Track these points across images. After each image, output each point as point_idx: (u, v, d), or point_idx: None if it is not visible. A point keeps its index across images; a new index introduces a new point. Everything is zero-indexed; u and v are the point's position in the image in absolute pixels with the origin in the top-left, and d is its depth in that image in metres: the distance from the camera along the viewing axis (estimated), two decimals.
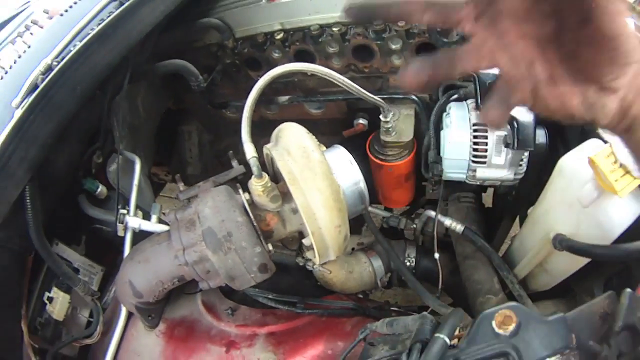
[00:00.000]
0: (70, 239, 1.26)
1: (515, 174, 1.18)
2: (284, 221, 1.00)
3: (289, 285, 1.35)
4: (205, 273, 0.99)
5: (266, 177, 0.93)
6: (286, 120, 1.45)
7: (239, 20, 1.38)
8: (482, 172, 1.18)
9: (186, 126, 1.66)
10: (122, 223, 1.16)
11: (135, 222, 1.17)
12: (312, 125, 1.51)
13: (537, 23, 0.43)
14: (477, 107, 1.14)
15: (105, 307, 1.24)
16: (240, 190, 0.99)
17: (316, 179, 0.90)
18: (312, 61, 1.37)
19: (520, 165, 1.16)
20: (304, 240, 0.98)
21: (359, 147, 1.38)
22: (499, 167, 1.16)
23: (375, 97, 1.10)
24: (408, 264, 1.34)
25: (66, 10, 1.23)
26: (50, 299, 1.14)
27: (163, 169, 1.84)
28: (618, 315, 0.60)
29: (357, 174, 1.01)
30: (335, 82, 0.99)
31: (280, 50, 1.37)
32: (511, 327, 0.60)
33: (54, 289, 1.16)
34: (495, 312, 0.62)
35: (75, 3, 1.23)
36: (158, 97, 1.56)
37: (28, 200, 1.02)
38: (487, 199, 1.55)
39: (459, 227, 1.24)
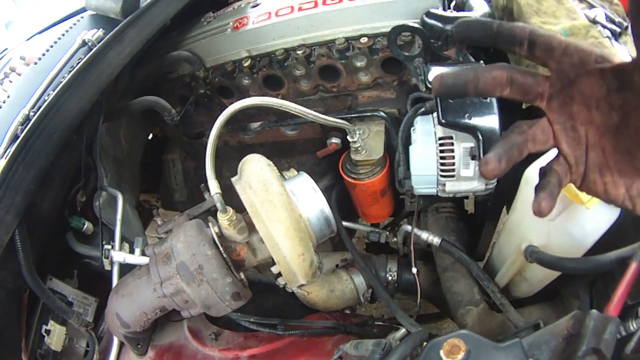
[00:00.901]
0: (63, 273, 1.37)
1: (486, 185, 1.18)
2: (254, 250, 1.09)
3: (274, 305, 1.44)
4: (184, 303, 1.09)
5: (231, 211, 1.02)
6: (264, 144, 1.55)
7: (207, 50, 1.47)
8: (452, 186, 1.19)
9: (170, 154, 1.76)
10: (108, 258, 1.26)
11: (119, 256, 1.28)
12: (290, 146, 1.61)
13: (605, 113, 0.47)
14: (439, 122, 1.18)
15: (101, 336, 1.36)
16: (210, 224, 1.08)
17: (276, 211, 0.98)
18: (281, 85, 1.45)
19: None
20: (272, 268, 1.06)
21: (335, 165, 1.46)
22: (469, 179, 1.17)
23: (337, 120, 1.17)
24: (390, 278, 1.41)
25: (39, 59, 1.34)
26: (48, 332, 1.25)
27: (153, 196, 1.95)
28: (583, 337, 0.57)
29: (320, 201, 1.08)
30: (293, 112, 1.07)
31: (249, 76, 1.45)
32: (460, 356, 0.61)
33: (51, 322, 1.27)
34: (443, 340, 0.63)
35: (47, 50, 1.34)
36: (140, 129, 1.67)
37: (18, 243, 1.13)
38: (470, 204, 1.61)
39: (436, 240, 1.30)
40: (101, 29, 1.27)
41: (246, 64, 1.41)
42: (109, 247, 1.30)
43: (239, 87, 1.48)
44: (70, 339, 1.33)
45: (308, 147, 1.57)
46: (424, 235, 1.32)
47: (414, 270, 1.32)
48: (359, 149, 1.31)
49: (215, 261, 1.02)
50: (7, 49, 1.56)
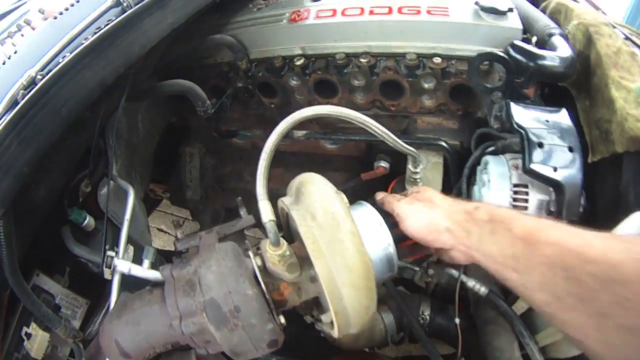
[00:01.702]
0: (53, 269, 1.06)
1: None
2: (300, 290, 0.80)
3: (291, 335, 1.15)
4: (205, 342, 0.79)
5: (284, 244, 0.73)
6: (297, 153, 1.25)
7: (255, 40, 1.17)
8: None
9: (188, 147, 1.44)
10: (110, 267, 0.95)
11: (124, 266, 0.96)
12: (325, 160, 1.33)
13: None
14: (524, 168, 0.93)
15: (90, 339, 1.05)
16: (251, 254, 0.79)
17: (346, 255, 0.71)
18: (334, 93, 1.17)
19: None
20: (323, 317, 0.79)
21: (371, 188, 1.19)
22: None
23: (409, 147, 0.90)
24: (421, 321, 1.16)
25: (61, 13, 1.00)
26: (29, 335, 0.96)
27: (160, 187, 1.62)
28: None
29: (387, 238, 0.81)
30: (372, 131, 0.80)
31: (299, 77, 1.16)
32: None
33: (33, 325, 0.98)
34: None
35: (72, 5, 1.00)
36: (160, 115, 1.35)
37: (2, 237, 0.82)
38: None
39: (482, 290, 1.06)
40: None
41: (298, 63, 1.12)
42: (112, 253, 0.98)
43: (285, 87, 1.18)
44: (53, 346, 1.02)
45: (345, 164, 1.30)
46: (471, 282, 1.07)
47: (457, 320, 1.07)
48: (418, 180, 1.04)
49: (256, 303, 0.73)
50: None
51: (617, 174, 0.90)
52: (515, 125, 0.92)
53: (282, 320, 0.80)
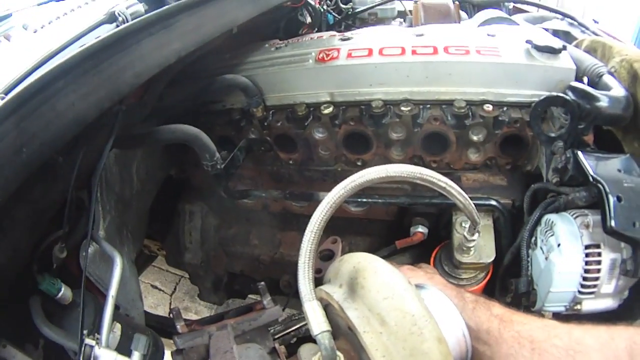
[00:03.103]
0: (24, 339, 0.78)
1: (619, 302, 0.83)
2: None
3: None
4: None
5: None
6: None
7: (274, 83, 0.95)
8: (589, 304, 0.82)
9: (188, 204, 1.17)
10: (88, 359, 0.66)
11: (107, 358, 0.68)
12: (346, 223, 1.07)
13: None
14: (605, 228, 0.73)
15: None
16: None
17: None
18: (367, 148, 0.93)
19: (625, 292, 0.82)
20: None
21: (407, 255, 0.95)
22: (607, 296, 0.81)
23: (475, 212, 0.66)
24: None
25: (42, 27, 0.76)
26: None
27: (156, 243, 1.33)
28: None
29: (464, 334, 0.58)
30: (453, 197, 0.57)
31: (326, 129, 0.93)
32: None
33: None
34: None
35: (57, 18, 0.76)
36: (158, 165, 1.09)
37: None
38: None
39: None
40: (143, 3, 0.72)
41: (326, 111, 0.90)
42: (92, 341, 0.69)
43: (307, 140, 0.95)
44: None
45: (368, 227, 1.05)
46: None
47: None
48: (471, 249, 0.81)
49: None
50: (10, 14, 0.92)
51: None
52: (592, 179, 0.76)
53: None
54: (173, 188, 1.20)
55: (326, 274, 0.61)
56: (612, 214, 0.71)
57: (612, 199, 0.73)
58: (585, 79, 0.90)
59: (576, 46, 1.05)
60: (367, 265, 0.54)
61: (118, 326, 0.81)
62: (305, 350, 0.53)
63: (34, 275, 0.76)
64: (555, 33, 1.32)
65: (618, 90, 0.82)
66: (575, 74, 0.87)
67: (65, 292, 0.78)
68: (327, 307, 0.57)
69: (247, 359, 0.52)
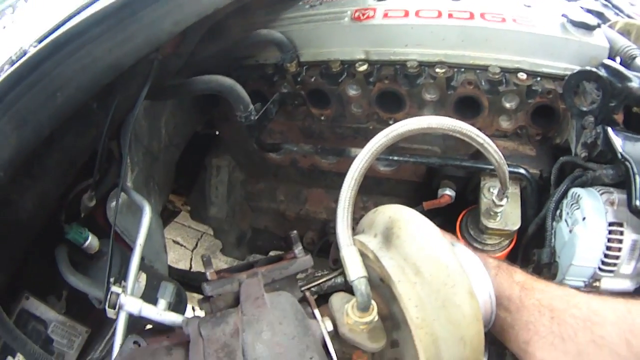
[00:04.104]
0: (47, 291, 0.80)
1: (636, 285, 0.80)
2: (373, 355, 0.53)
3: None
4: None
5: (374, 309, 0.45)
6: (343, 174, 0.98)
7: (309, 39, 0.91)
8: (607, 283, 0.78)
9: (215, 159, 1.15)
10: (114, 308, 0.65)
11: (133, 305, 0.69)
12: (374, 183, 1.05)
13: None
14: (630, 206, 0.71)
15: None
16: (317, 314, 0.50)
17: (462, 324, 0.45)
18: (400, 107, 0.90)
19: None
20: None
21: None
22: (625, 277, 0.77)
23: (507, 174, 0.64)
24: None
25: None
26: None
27: (180, 198, 1.32)
28: None
29: (491, 293, 0.57)
30: (489, 155, 0.54)
31: (360, 86, 0.90)
32: None
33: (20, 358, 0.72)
34: None
35: None
36: (187, 119, 1.06)
37: None
38: None
39: None
40: None
41: (361, 69, 0.86)
42: (118, 289, 0.68)
43: (341, 96, 0.92)
44: None
45: (395, 188, 1.02)
46: None
47: None
48: (498, 214, 0.78)
49: None
50: None
51: None
52: (621, 156, 0.73)
53: None
54: (199, 144, 1.18)
55: (359, 224, 0.59)
56: (638, 193, 0.69)
57: (638, 178, 0.70)
58: (618, 59, 0.86)
59: (610, 27, 1.00)
60: (404, 216, 0.52)
61: (143, 276, 0.80)
62: (337, 298, 0.51)
63: (60, 224, 0.76)
64: (589, 12, 1.26)
65: None
66: (609, 53, 0.83)
67: (92, 241, 0.78)
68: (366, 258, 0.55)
69: (279, 305, 0.51)
